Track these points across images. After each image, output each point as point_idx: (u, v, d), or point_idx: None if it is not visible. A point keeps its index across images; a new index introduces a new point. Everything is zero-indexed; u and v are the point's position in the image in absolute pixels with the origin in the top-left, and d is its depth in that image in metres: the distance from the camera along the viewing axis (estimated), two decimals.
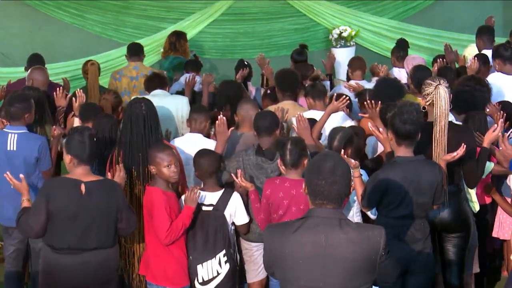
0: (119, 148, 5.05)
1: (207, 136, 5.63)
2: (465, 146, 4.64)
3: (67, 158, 4.46)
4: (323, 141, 5.59)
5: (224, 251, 4.79)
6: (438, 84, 4.75)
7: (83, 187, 4.38)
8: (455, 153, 4.64)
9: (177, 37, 8.84)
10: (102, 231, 4.42)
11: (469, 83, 5.61)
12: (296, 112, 5.98)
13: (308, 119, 5.48)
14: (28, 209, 4.47)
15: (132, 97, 5.64)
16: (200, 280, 4.79)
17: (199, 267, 4.77)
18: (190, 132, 5.61)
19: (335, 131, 5.19)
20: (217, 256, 4.78)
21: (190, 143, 5.41)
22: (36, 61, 7.59)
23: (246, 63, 7.79)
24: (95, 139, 4.54)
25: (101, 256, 4.43)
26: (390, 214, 4.45)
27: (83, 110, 5.84)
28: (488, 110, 5.71)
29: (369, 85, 6.98)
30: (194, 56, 8.91)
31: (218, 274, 4.79)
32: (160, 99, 6.21)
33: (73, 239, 4.37)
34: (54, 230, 4.38)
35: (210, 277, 4.79)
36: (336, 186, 3.18)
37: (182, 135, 5.97)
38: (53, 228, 4.38)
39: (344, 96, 5.88)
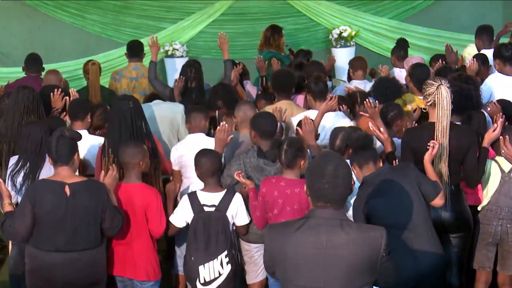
0: (108, 141, 5.19)
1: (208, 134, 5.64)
2: (435, 143, 4.69)
3: (49, 160, 4.54)
4: (322, 141, 5.59)
5: (226, 252, 4.78)
6: (439, 85, 4.76)
7: (67, 189, 4.37)
8: (430, 149, 4.69)
9: (272, 32, 9.00)
10: (90, 232, 4.43)
11: (456, 82, 5.57)
12: (293, 113, 6.00)
13: None
14: (11, 213, 4.47)
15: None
16: (202, 281, 4.79)
17: (200, 268, 4.77)
18: (190, 132, 5.60)
19: (337, 130, 5.19)
20: (219, 257, 4.77)
21: (193, 144, 5.37)
22: (33, 61, 7.55)
23: (238, 62, 7.77)
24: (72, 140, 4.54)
25: (89, 255, 4.45)
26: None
27: (71, 108, 5.80)
28: (489, 109, 5.70)
29: (370, 84, 6.99)
30: (289, 51, 8.94)
31: (220, 275, 4.78)
32: (157, 105, 6.26)
33: (61, 242, 4.38)
34: (41, 233, 4.38)
35: (212, 278, 4.78)
36: (339, 189, 3.18)
37: (178, 140, 5.97)
38: (40, 231, 4.38)
39: (335, 95, 5.89)
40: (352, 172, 4.70)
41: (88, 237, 4.43)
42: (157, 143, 5.45)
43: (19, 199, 4.69)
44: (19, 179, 5.15)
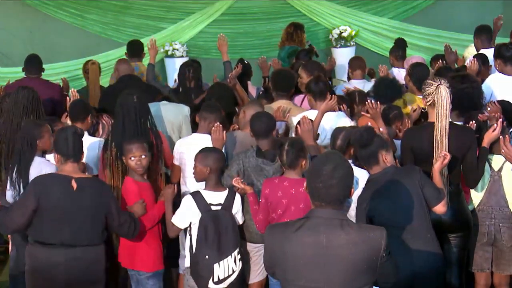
0: (112, 136, 5.23)
1: None
2: (447, 154, 4.66)
3: (56, 157, 4.58)
4: (322, 141, 5.58)
5: (237, 249, 4.79)
6: (439, 84, 4.76)
7: (74, 182, 4.42)
8: (441, 159, 4.65)
9: (295, 28, 9.28)
10: (93, 228, 4.49)
11: (456, 82, 5.53)
12: (292, 112, 5.99)
13: None
14: (5, 207, 4.53)
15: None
16: (216, 280, 4.75)
17: (215, 266, 4.72)
18: (198, 131, 5.54)
19: (338, 130, 5.19)
20: (233, 254, 4.77)
21: (196, 145, 5.26)
22: (32, 63, 7.54)
23: (246, 62, 7.76)
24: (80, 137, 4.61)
25: (91, 254, 4.48)
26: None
27: (71, 110, 5.79)
28: (489, 109, 5.70)
29: (369, 84, 7.00)
30: (310, 46, 8.99)
31: (233, 272, 4.77)
32: (163, 106, 6.25)
33: (66, 235, 4.41)
34: (46, 226, 4.40)
35: (226, 275, 4.76)
36: (333, 190, 3.17)
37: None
38: (45, 224, 4.40)
39: (334, 95, 5.88)
40: (361, 172, 4.73)
41: (91, 233, 4.48)
42: (163, 140, 5.45)
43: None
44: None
